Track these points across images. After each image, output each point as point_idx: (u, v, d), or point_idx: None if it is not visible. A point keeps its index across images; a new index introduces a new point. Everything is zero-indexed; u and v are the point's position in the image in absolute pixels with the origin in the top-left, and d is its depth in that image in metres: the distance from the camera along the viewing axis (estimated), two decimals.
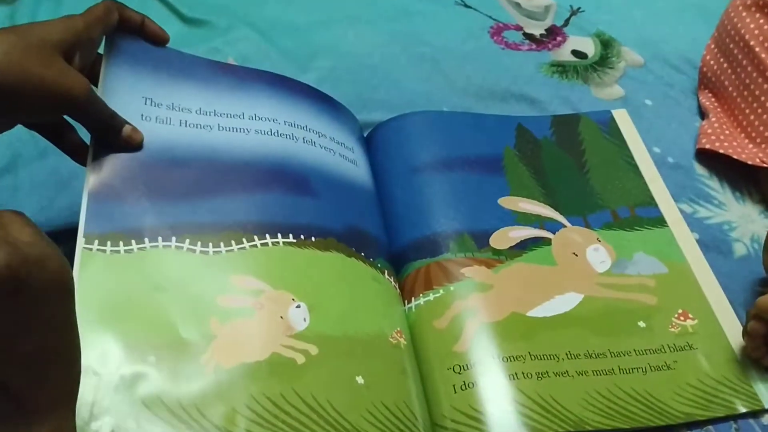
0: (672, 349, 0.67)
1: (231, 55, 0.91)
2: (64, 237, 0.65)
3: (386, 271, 0.67)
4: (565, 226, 0.74)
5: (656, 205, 0.79)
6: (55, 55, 0.55)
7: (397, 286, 0.68)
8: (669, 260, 0.74)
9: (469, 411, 0.60)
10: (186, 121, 0.64)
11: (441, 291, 0.67)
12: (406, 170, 0.76)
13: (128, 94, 0.62)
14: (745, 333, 0.65)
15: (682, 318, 0.70)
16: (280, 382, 0.55)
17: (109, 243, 0.55)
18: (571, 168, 0.80)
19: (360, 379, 0.58)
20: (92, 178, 0.58)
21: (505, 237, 0.71)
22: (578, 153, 0.82)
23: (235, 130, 0.66)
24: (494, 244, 0.70)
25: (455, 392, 0.61)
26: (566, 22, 1.03)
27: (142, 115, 0.62)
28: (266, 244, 0.61)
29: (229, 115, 0.67)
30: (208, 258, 0.58)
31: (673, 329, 0.69)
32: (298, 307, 0.59)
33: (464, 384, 0.61)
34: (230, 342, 0.55)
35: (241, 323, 0.57)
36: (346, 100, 0.78)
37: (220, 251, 0.59)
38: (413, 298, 0.66)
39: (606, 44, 0.99)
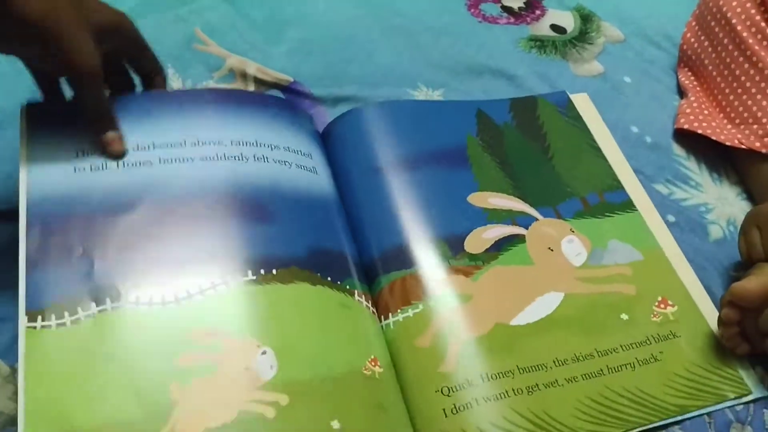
0: (657, 340, 0.66)
1: (197, 24, 0.87)
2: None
3: (356, 292, 0.63)
4: (537, 219, 0.72)
5: (623, 189, 0.77)
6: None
7: (370, 304, 0.64)
8: (643, 246, 0.73)
9: None
10: (123, 162, 0.61)
11: (420, 306, 0.64)
12: (369, 171, 0.72)
13: (55, 156, 0.59)
14: (720, 321, 0.65)
15: (662, 306, 0.69)
16: None
17: (53, 316, 0.52)
18: (535, 155, 0.78)
19: (336, 424, 0.55)
20: (28, 245, 0.55)
21: (480, 239, 0.69)
22: (540, 138, 0.80)
23: (177, 160, 0.62)
24: (469, 249, 0.68)
25: (446, 416, 0.58)
26: None
27: (75, 169, 0.59)
28: (226, 286, 0.58)
29: (169, 145, 0.63)
30: (163, 312, 0.55)
31: (655, 318, 0.68)
32: (264, 353, 0.55)
33: (455, 408, 0.59)
34: (193, 408, 0.52)
35: (203, 383, 0.53)
36: (317, 73, 0.75)
37: (175, 303, 0.56)
38: (390, 314, 0.63)
39: (585, 19, 0.97)
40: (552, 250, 0.70)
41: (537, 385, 0.61)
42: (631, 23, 0.85)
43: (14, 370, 0.59)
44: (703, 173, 0.82)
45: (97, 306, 0.54)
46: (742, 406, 0.64)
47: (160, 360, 0.53)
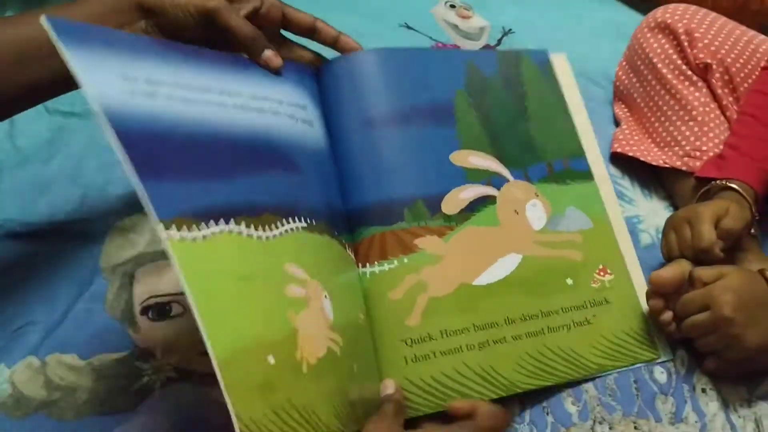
0: (592, 305, 0.74)
1: None
2: (47, 234, 0.73)
3: (347, 244, 0.67)
4: (509, 181, 0.76)
5: (585, 157, 0.81)
6: None
7: (353, 255, 0.68)
8: (594, 215, 0.78)
9: (419, 382, 0.64)
10: (171, 95, 0.55)
11: (395, 262, 0.68)
12: (359, 123, 0.71)
13: (105, 75, 0.51)
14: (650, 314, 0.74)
15: (602, 273, 0.76)
16: (335, 378, 0.57)
17: (184, 227, 0.49)
18: (514, 113, 0.80)
19: (355, 367, 0.61)
20: (132, 161, 0.48)
21: (456, 200, 0.72)
22: (520, 96, 0.81)
23: (215, 104, 0.59)
24: (445, 210, 0.71)
25: (406, 364, 0.65)
26: (499, 42, 1.09)
27: (129, 91, 0.52)
28: (292, 229, 0.59)
29: (203, 90, 0.59)
30: (263, 244, 0.55)
31: (594, 284, 0.75)
32: (326, 297, 0.59)
33: (414, 357, 0.65)
34: (306, 336, 0.55)
35: (306, 314, 0.56)
36: None
37: (269, 236, 0.56)
38: (368, 264, 0.68)
39: None
40: (517, 213, 0.75)
41: (488, 341, 0.68)
42: (575, 64, 0.87)
43: (44, 363, 0.69)
44: (636, 190, 0.92)
45: (215, 225, 0.52)
46: (664, 378, 0.74)
47: (277, 287, 0.55)
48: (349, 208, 0.69)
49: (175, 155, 0.52)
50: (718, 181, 0.78)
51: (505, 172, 0.76)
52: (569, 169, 0.80)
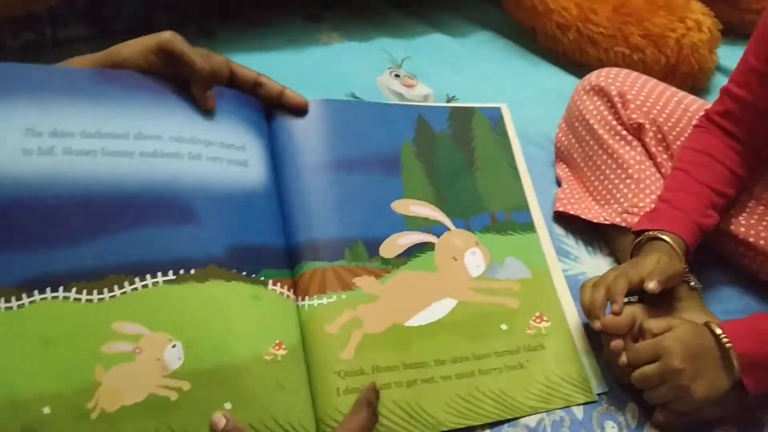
0: (526, 350, 0.76)
1: None
2: None
3: (271, 281, 0.69)
4: (449, 230, 0.79)
5: (529, 210, 0.85)
6: None
7: (286, 289, 0.70)
8: (534, 266, 0.81)
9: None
10: (70, 148, 0.62)
11: (334, 297, 0.71)
12: (309, 167, 0.75)
13: (4, 130, 0.60)
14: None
15: (538, 320, 0.78)
16: (155, 420, 0.61)
17: (2, 298, 0.58)
18: (462, 166, 0.84)
19: (228, 405, 0.63)
20: None
21: (394, 245, 0.75)
22: (469, 150, 0.85)
23: (119, 154, 0.64)
24: (383, 254, 0.74)
25: (338, 395, 0.67)
26: None
27: (23, 150, 0.60)
28: (146, 285, 0.63)
29: (113, 136, 0.64)
30: (92, 306, 0.61)
31: (529, 331, 0.77)
32: (174, 347, 0.62)
33: (347, 389, 0.67)
34: (113, 387, 0.60)
35: (123, 368, 0.61)
36: None
37: (104, 298, 0.62)
38: (307, 297, 0.70)
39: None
40: (456, 260, 0.78)
41: (416, 380, 0.70)
42: (518, 127, 0.92)
43: None
44: (580, 247, 0.95)
45: (38, 294, 0.60)
46: (615, 430, 0.75)
47: (88, 346, 0.61)
48: (291, 243, 0.72)
49: (26, 223, 0.60)
50: (649, 232, 0.81)
51: (446, 221, 0.79)
52: (512, 220, 0.83)
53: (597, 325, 0.74)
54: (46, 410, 0.58)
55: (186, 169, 0.66)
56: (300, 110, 0.76)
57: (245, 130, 0.72)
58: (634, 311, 0.75)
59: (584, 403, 0.76)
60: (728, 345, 0.71)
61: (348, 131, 0.79)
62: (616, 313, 0.73)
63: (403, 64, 1.21)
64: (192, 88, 0.68)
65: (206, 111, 0.69)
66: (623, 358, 0.73)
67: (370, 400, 0.67)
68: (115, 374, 0.61)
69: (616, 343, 0.73)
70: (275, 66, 0.80)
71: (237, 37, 1.19)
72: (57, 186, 0.61)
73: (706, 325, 0.73)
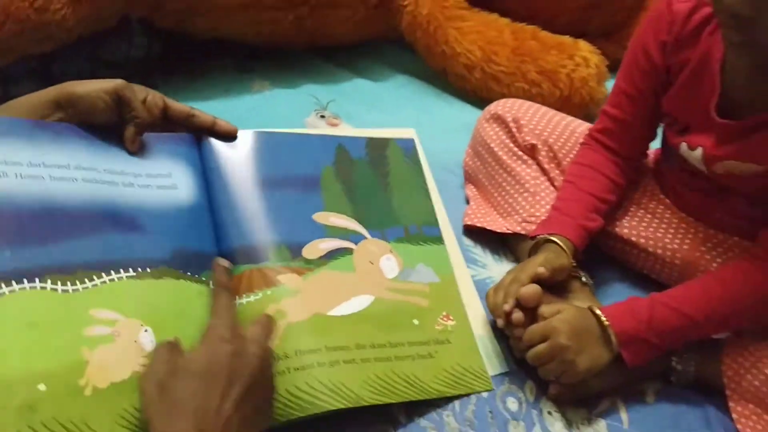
0: (435, 342, 0.86)
1: None
2: None
3: (210, 281, 0.78)
4: (366, 238, 0.89)
5: (438, 226, 0.97)
6: None
7: None
8: (442, 272, 0.93)
9: (277, 396, 0.74)
10: (21, 174, 0.72)
11: (260, 294, 0.80)
12: (237, 185, 0.84)
13: None
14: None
15: (445, 318, 0.89)
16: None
17: None
18: (377, 187, 0.95)
19: None
20: None
21: (316, 248, 0.85)
22: (384, 174, 0.96)
23: (64, 180, 0.74)
24: (306, 255, 0.84)
25: None
26: None
27: None
28: (113, 280, 0.72)
29: (56, 166, 0.74)
30: (69, 295, 0.69)
31: (437, 327, 0.88)
32: (146, 331, 0.71)
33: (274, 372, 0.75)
34: (100, 366, 0.67)
35: (106, 349, 0.69)
36: None
37: (78, 289, 0.70)
38: (238, 297, 0.79)
39: None
40: (372, 264, 0.88)
41: (338, 360, 0.79)
42: (435, 158, 1.06)
43: None
44: (487, 255, 1.05)
45: (17, 285, 0.66)
46: (516, 407, 0.86)
47: (71, 329, 0.68)
48: (225, 251, 0.81)
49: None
50: (541, 236, 0.93)
51: (363, 230, 0.90)
52: (422, 233, 0.95)
53: (500, 323, 0.86)
54: (42, 387, 0.63)
55: (122, 193, 0.77)
56: (230, 137, 0.87)
57: (171, 160, 0.83)
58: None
59: (482, 391, 0.86)
60: (606, 323, 0.84)
61: (273, 155, 0.89)
62: (507, 313, 0.85)
63: (329, 106, 1.31)
64: (126, 130, 0.79)
65: (131, 151, 0.80)
66: (518, 331, 0.85)
67: (222, 280, 0.74)
68: (100, 353, 0.68)
69: (518, 316, 0.84)
70: (212, 113, 0.90)
71: (177, 89, 1.28)
72: (15, 201, 0.70)
73: (589, 308, 0.85)
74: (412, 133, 1.03)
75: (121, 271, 0.73)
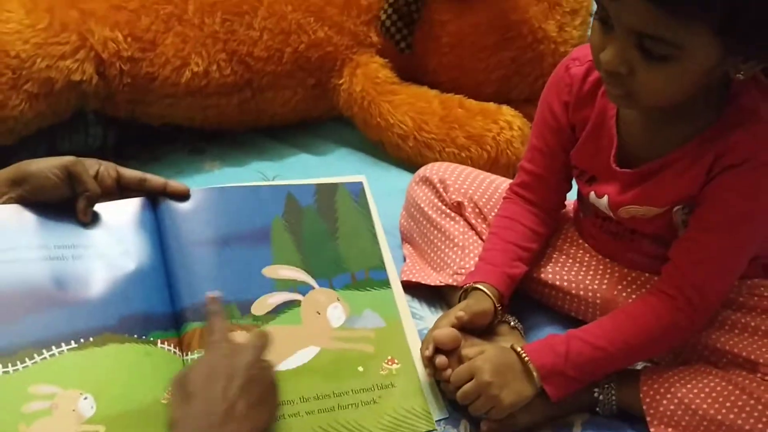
0: (379, 387, 0.92)
1: None
2: None
3: (159, 340, 0.84)
4: (314, 288, 0.96)
5: (385, 269, 1.03)
6: None
7: (172, 347, 0.85)
8: (387, 316, 0.99)
9: None
10: None
11: None
12: (190, 244, 0.91)
13: None
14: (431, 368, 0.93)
15: (389, 363, 0.95)
16: None
17: None
18: (325, 235, 1.01)
19: None
20: None
21: (265, 304, 0.92)
22: (333, 220, 1.02)
23: (13, 262, 0.82)
24: (255, 311, 0.91)
25: None
26: None
27: None
28: (53, 354, 0.78)
29: (6, 249, 0.83)
30: (9, 376, 0.76)
31: (382, 372, 0.94)
32: (86, 398, 0.78)
33: None
34: None
35: (43, 422, 0.75)
36: None
37: (18, 368, 0.76)
38: (190, 352, 0.85)
39: None
40: (319, 314, 0.95)
41: (284, 415, 0.85)
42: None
43: None
44: (424, 308, 1.12)
45: None
46: None
47: (10, 409, 0.75)
48: (176, 309, 0.88)
49: None
50: (468, 284, 1.01)
51: (311, 281, 0.97)
52: (370, 278, 1.01)
53: (427, 370, 0.94)
54: None
55: (72, 267, 0.85)
56: (182, 197, 0.94)
57: (125, 226, 0.91)
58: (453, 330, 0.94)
59: (425, 431, 0.91)
60: (527, 359, 0.91)
61: (224, 211, 0.96)
62: (428, 358, 0.92)
63: (275, 179, 1.39)
64: (78, 202, 0.86)
65: (83, 223, 0.87)
66: (447, 372, 0.91)
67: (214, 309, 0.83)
68: (37, 428, 0.75)
69: (441, 360, 0.91)
70: None
71: None
72: None
73: (511, 347, 0.93)
74: (361, 178, 1.11)
75: (62, 345, 0.79)
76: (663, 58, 0.78)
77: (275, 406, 0.79)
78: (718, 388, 0.91)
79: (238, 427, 0.72)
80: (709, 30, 0.75)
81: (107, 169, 0.89)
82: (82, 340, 0.80)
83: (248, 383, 0.75)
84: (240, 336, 0.87)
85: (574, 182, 1.09)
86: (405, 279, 1.13)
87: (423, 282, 1.12)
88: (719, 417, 0.89)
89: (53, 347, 0.79)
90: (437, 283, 1.11)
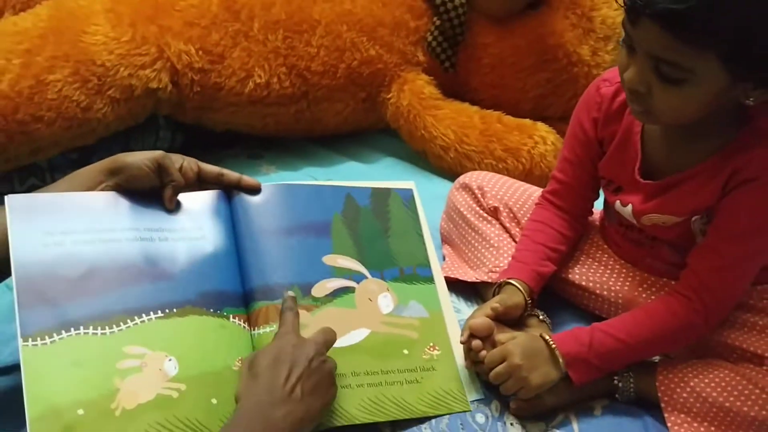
0: (421, 369, 1.02)
1: None
2: None
3: (231, 315, 0.94)
4: (367, 278, 1.06)
5: (430, 267, 1.13)
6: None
7: (242, 322, 0.95)
8: (431, 308, 1.08)
9: None
10: (75, 241, 0.91)
11: (275, 326, 0.93)
12: (260, 233, 1.01)
13: (29, 234, 0.89)
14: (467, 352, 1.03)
15: (431, 349, 1.05)
16: (164, 411, 0.85)
17: (38, 339, 0.83)
18: (379, 233, 1.10)
19: (214, 400, 0.88)
20: (18, 294, 0.84)
21: (324, 287, 1.02)
22: (385, 220, 1.12)
23: (110, 241, 0.92)
24: (315, 293, 1.01)
25: None
26: None
27: (42, 244, 0.89)
28: (143, 321, 0.89)
29: (104, 230, 0.93)
30: (106, 337, 0.86)
31: (424, 356, 1.03)
32: (170, 360, 0.88)
33: None
34: (129, 391, 0.84)
35: (135, 378, 0.85)
36: None
37: (114, 331, 0.87)
38: (257, 327, 0.95)
39: None
40: (371, 300, 1.04)
41: (337, 386, 0.92)
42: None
43: None
44: (461, 303, 1.20)
45: (65, 333, 0.85)
46: (483, 420, 1.01)
47: (106, 364, 0.85)
48: (246, 288, 0.98)
49: (52, 288, 0.86)
50: (502, 281, 1.12)
51: (365, 271, 1.06)
52: (416, 273, 1.10)
53: (465, 357, 1.04)
54: (80, 412, 0.81)
55: (158, 247, 0.95)
56: (254, 190, 1.05)
57: (203, 215, 1.01)
58: (486, 320, 1.03)
59: (461, 411, 1.00)
60: (554, 346, 1.00)
61: (290, 205, 1.06)
62: (464, 342, 1.02)
63: None
64: (164, 191, 0.97)
65: (169, 210, 0.98)
66: (482, 354, 1.01)
67: (289, 305, 0.92)
68: (130, 382, 0.85)
69: (477, 343, 1.01)
70: None
71: None
72: (70, 264, 0.89)
73: (540, 335, 1.02)
74: (411, 185, 1.19)
75: (151, 313, 0.90)
76: (676, 81, 0.88)
77: (330, 396, 0.89)
78: (727, 379, 1.00)
79: (293, 408, 0.83)
80: (717, 58, 0.85)
81: (190, 163, 1.00)
82: (167, 311, 0.91)
83: (307, 373, 0.86)
84: (301, 316, 0.97)
85: (600, 192, 1.19)
86: (444, 275, 1.19)
87: (461, 278, 1.20)
88: (727, 404, 0.98)
89: (143, 315, 0.89)
90: (474, 279, 1.19)
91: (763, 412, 0.97)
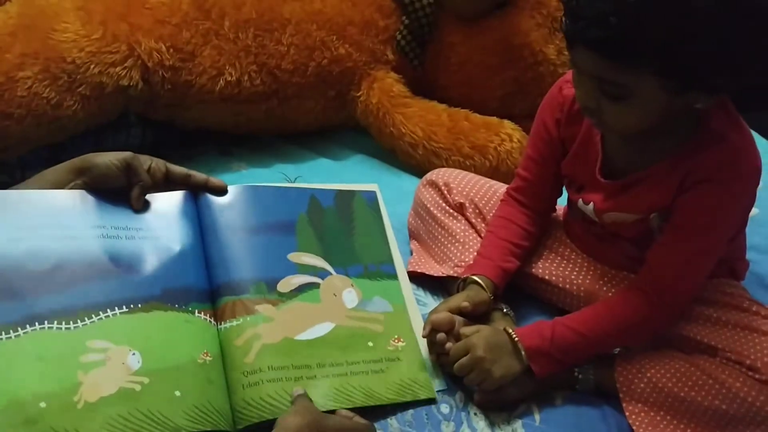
0: (386, 360, 1.04)
1: None
2: None
3: (197, 310, 0.96)
4: (331, 274, 1.09)
5: (393, 264, 1.16)
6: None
7: (208, 317, 0.97)
8: (394, 303, 1.11)
9: (251, 402, 0.92)
10: (42, 236, 0.92)
11: (240, 320, 0.97)
12: (226, 231, 1.03)
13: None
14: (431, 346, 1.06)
15: (396, 341, 1.07)
16: (126, 405, 0.85)
17: (2, 333, 0.84)
18: (342, 232, 1.13)
19: (177, 393, 0.89)
20: None
21: (288, 283, 1.04)
22: (349, 220, 1.15)
23: (77, 238, 0.94)
24: (280, 289, 1.03)
25: (243, 389, 0.93)
26: None
27: (9, 239, 0.90)
28: (108, 316, 0.90)
29: (72, 227, 0.95)
30: (70, 332, 0.87)
31: (389, 347, 1.06)
32: (134, 354, 0.89)
33: (248, 383, 0.93)
34: (92, 385, 0.85)
35: (98, 371, 0.86)
36: None
37: (78, 326, 0.88)
38: (223, 322, 0.97)
39: None
40: (335, 296, 1.07)
41: (302, 377, 0.97)
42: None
43: None
44: (428, 296, 1.23)
45: (29, 327, 0.86)
46: (448, 410, 1.04)
47: (70, 359, 0.86)
48: (212, 285, 1.00)
49: (17, 283, 0.88)
50: (466, 276, 1.15)
51: (329, 268, 1.09)
52: (380, 270, 1.13)
53: (432, 357, 1.07)
54: (42, 405, 0.81)
55: (124, 245, 0.97)
56: (221, 192, 1.06)
57: (169, 214, 1.03)
58: (448, 315, 1.07)
59: (426, 398, 1.03)
60: (516, 339, 1.03)
61: (256, 206, 1.08)
62: (426, 336, 1.05)
63: (296, 180, 1.50)
64: (132, 191, 0.99)
65: (136, 209, 1.00)
66: (447, 346, 1.04)
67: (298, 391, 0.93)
68: (93, 376, 0.86)
69: (441, 337, 1.04)
70: None
71: None
72: (35, 258, 0.90)
73: (504, 329, 1.05)
74: (375, 187, 1.23)
75: (115, 309, 0.91)
76: (621, 96, 0.92)
77: None
78: (682, 370, 1.03)
79: None
80: (652, 74, 0.89)
81: (158, 164, 1.02)
82: (131, 306, 0.92)
83: None
84: (267, 310, 1.01)
85: (564, 189, 1.22)
86: (411, 270, 1.24)
87: (427, 273, 1.23)
88: (682, 394, 1.02)
89: (108, 310, 0.90)
90: (440, 274, 1.22)
91: (716, 402, 1.01)
